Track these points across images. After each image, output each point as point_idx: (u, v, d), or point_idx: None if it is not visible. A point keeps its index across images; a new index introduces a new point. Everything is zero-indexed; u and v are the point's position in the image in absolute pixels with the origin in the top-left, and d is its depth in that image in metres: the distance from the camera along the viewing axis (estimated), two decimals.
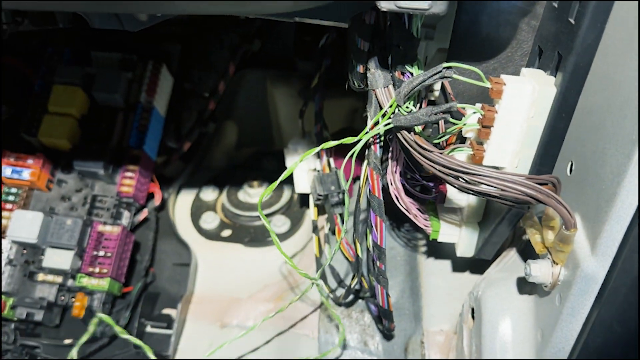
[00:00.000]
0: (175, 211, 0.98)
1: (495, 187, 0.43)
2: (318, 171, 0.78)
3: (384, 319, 0.67)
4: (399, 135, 0.49)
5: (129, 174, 0.87)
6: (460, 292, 0.74)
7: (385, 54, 0.49)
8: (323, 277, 0.79)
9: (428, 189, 0.61)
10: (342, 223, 0.75)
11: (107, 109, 0.91)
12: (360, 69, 0.50)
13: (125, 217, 0.87)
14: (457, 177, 0.45)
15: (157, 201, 0.95)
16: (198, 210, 1.00)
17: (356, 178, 0.87)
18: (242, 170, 1.06)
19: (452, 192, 0.59)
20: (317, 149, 0.51)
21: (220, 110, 1.01)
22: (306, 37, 0.93)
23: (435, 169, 0.45)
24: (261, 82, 1.00)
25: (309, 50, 0.95)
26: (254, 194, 0.97)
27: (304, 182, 0.81)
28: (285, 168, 0.94)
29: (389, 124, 0.48)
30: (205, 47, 0.94)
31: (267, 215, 0.95)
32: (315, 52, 0.93)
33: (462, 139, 0.53)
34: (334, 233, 0.80)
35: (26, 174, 0.85)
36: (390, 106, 0.48)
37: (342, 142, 0.51)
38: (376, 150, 0.52)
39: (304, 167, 0.81)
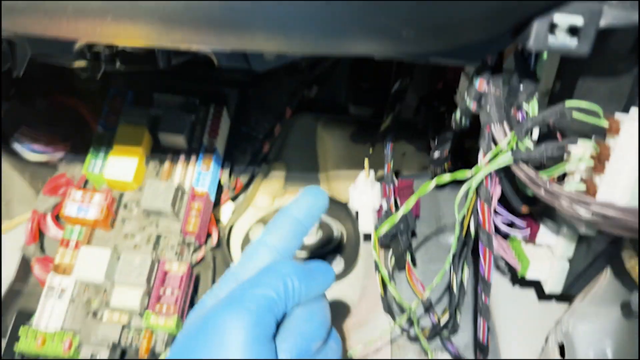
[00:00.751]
0: (230, 250, 0.97)
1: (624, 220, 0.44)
2: (386, 211, 0.79)
3: (480, 354, 0.67)
4: (515, 169, 0.50)
5: (193, 213, 0.87)
6: (536, 323, 0.74)
7: (502, 91, 0.51)
8: (391, 314, 0.79)
9: (515, 226, 0.62)
10: (412, 262, 0.76)
11: (170, 150, 0.92)
12: (473, 106, 0.52)
13: (188, 256, 0.87)
14: (585, 210, 0.46)
15: (214, 241, 0.94)
16: None
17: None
18: None
19: (544, 229, 0.60)
20: (432, 183, 0.52)
21: (271, 152, 1.02)
22: (363, 83, 0.96)
23: (559, 201, 0.47)
24: (313, 126, 1.02)
25: (363, 96, 0.98)
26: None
27: (369, 222, 0.82)
28: (343, 206, 0.94)
29: (509, 158, 0.50)
30: (264, 92, 0.96)
31: (320, 256, 0.95)
32: (368, 98, 0.96)
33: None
34: (400, 269, 0.81)
35: (92, 213, 0.84)
36: (509, 141, 0.50)
37: (456, 178, 0.52)
38: (487, 184, 0.54)
39: (368, 207, 0.82)
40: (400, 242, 0.78)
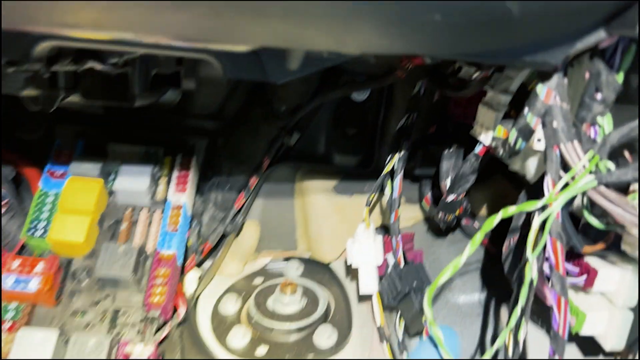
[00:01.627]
0: (198, 326, 0.81)
1: None
2: (395, 266, 0.67)
3: None
4: (594, 195, 0.40)
5: (158, 281, 0.72)
6: None
7: (571, 104, 0.42)
8: None
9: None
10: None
11: (129, 208, 0.77)
12: (535, 123, 0.43)
13: (151, 334, 0.71)
14: None
15: (180, 315, 0.79)
16: (221, 324, 0.84)
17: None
18: (262, 277, 0.92)
19: (605, 274, 0.50)
20: (498, 216, 0.41)
21: (244, 207, 0.89)
22: (348, 129, 0.86)
23: None
24: (291, 177, 0.90)
25: (348, 143, 0.88)
26: (289, 302, 0.83)
27: (371, 281, 0.70)
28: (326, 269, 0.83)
29: (591, 181, 0.40)
30: (238, 140, 0.84)
31: (307, 327, 0.81)
32: (353, 145, 0.86)
33: None
34: (411, 336, 0.68)
35: (34, 285, 0.67)
36: (588, 163, 0.40)
37: (524, 209, 0.42)
38: (559, 216, 0.43)
39: (370, 263, 0.70)
40: (414, 302, 0.66)
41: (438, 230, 0.89)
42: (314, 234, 0.94)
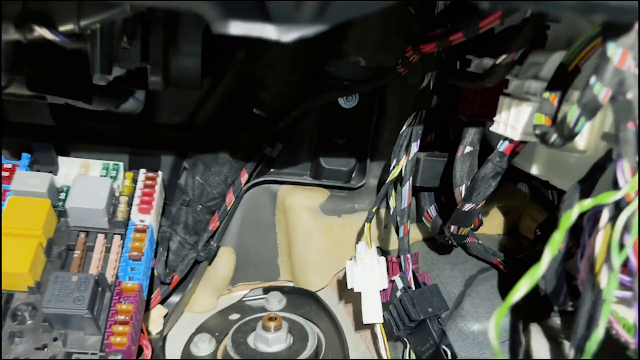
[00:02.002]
0: None
1: None
2: (406, 289, 0.57)
3: None
4: None
5: (121, 317, 0.59)
6: None
7: None
8: None
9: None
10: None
11: (83, 231, 0.65)
12: (604, 95, 0.34)
13: None
14: None
15: (147, 357, 0.66)
16: None
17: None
18: (239, 312, 0.81)
19: None
20: (575, 211, 0.32)
21: (218, 230, 0.78)
22: (337, 139, 0.76)
23: None
24: (271, 195, 0.79)
25: (338, 154, 0.78)
26: (273, 339, 0.72)
27: (375, 308, 0.60)
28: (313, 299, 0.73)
29: None
30: (213, 152, 0.73)
31: None
32: (344, 156, 0.77)
33: None
34: None
35: None
36: None
37: (600, 202, 0.33)
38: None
39: (374, 287, 0.60)
40: (432, 332, 0.56)
41: (439, 251, 0.79)
42: (299, 260, 0.83)
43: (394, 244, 0.81)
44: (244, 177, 0.76)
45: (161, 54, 0.63)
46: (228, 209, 0.77)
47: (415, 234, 0.82)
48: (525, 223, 0.86)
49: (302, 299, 0.84)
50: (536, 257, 0.71)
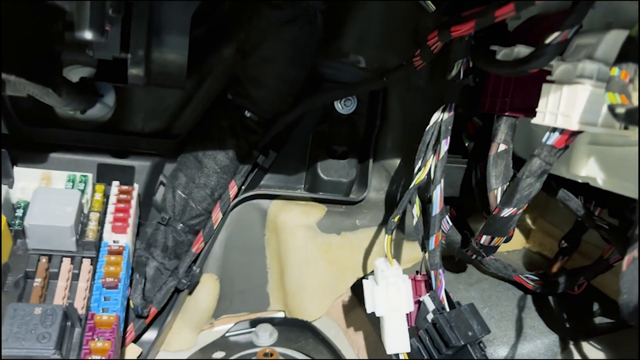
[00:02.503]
0: None
1: None
2: (440, 310, 0.49)
3: None
4: None
5: (96, 357, 0.48)
6: None
7: None
8: None
9: None
10: None
11: (45, 255, 0.54)
12: None
13: None
14: None
15: None
16: None
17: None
18: (224, 349, 0.71)
19: None
20: None
21: (202, 254, 0.68)
22: (336, 147, 0.69)
23: None
24: (261, 211, 0.70)
25: (336, 164, 0.70)
26: None
27: (402, 336, 0.51)
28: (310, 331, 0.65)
29: None
30: (197, 161, 0.64)
31: None
32: (340, 169, 0.69)
33: None
34: None
35: None
36: None
37: None
38: None
39: (397, 312, 0.52)
40: (474, 359, 0.48)
41: (450, 269, 0.72)
42: (292, 285, 0.74)
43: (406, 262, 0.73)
44: (233, 190, 0.67)
45: (144, 42, 0.54)
46: (215, 227, 0.67)
47: (418, 252, 0.74)
48: (536, 237, 0.80)
49: (296, 331, 0.75)
50: (562, 271, 0.65)
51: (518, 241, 0.81)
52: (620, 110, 0.38)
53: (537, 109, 0.50)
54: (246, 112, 0.65)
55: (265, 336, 0.73)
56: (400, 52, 0.70)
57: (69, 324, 0.50)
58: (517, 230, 0.80)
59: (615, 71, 0.42)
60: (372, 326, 0.71)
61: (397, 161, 0.74)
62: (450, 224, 0.66)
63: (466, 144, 0.69)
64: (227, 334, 0.75)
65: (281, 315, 0.76)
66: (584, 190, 0.59)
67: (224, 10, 0.65)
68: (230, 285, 0.74)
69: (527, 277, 0.66)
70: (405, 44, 0.69)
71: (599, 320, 0.65)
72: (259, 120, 0.66)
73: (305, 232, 0.72)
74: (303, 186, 0.74)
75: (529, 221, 0.82)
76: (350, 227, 0.73)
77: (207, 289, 0.73)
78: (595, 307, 0.66)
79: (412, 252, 0.73)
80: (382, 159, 0.74)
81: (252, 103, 0.64)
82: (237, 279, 0.74)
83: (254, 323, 0.76)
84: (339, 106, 0.72)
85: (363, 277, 0.61)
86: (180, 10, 0.56)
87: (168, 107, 0.68)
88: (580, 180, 0.56)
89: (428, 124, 0.56)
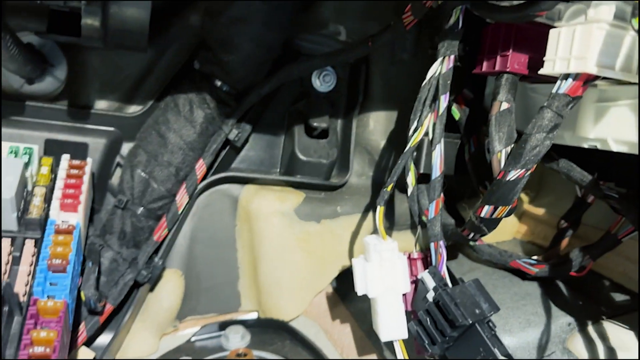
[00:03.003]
0: None
1: None
2: (442, 287, 0.43)
3: None
4: None
5: (38, 350, 0.41)
6: None
7: None
8: None
9: None
10: None
11: None
12: None
13: None
14: None
15: None
16: None
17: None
18: (189, 355, 0.63)
19: None
20: None
21: (164, 243, 0.61)
22: (317, 124, 0.63)
23: None
24: (232, 197, 0.64)
25: (315, 145, 0.65)
26: None
27: (398, 320, 0.46)
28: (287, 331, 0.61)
29: None
30: (160, 135, 0.57)
31: None
32: (320, 150, 0.64)
33: None
34: None
35: None
36: None
37: None
38: None
39: (393, 291, 0.46)
40: (484, 338, 0.42)
41: None
42: (267, 281, 0.66)
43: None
44: (201, 170, 0.60)
45: None
46: (179, 212, 0.60)
47: (407, 242, 0.68)
48: (526, 226, 0.75)
49: (271, 332, 0.67)
50: (564, 253, 0.60)
51: (507, 231, 0.76)
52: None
53: (544, 59, 0.46)
54: (216, 81, 0.59)
55: (237, 339, 0.66)
56: (383, 23, 0.65)
57: (6, 309, 0.42)
58: (505, 219, 0.75)
59: None
60: (357, 322, 0.64)
61: (381, 142, 0.69)
62: (442, 207, 0.61)
63: (456, 118, 0.64)
64: (193, 339, 0.67)
65: (254, 315, 0.69)
66: (585, 162, 0.55)
67: None
68: (197, 283, 0.66)
69: (525, 262, 0.61)
70: (388, 14, 0.65)
71: (605, 305, 0.60)
72: (231, 91, 0.60)
73: (281, 219, 0.65)
74: (278, 170, 0.67)
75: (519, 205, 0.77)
76: (331, 214, 0.67)
77: (171, 286, 0.65)
78: (601, 290, 0.61)
79: (401, 243, 0.67)
80: (364, 141, 0.68)
81: (223, 70, 0.58)
82: (204, 275, 0.66)
83: (223, 325, 0.68)
84: (317, 82, 0.66)
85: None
86: None
87: (127, 77, 0.61)
88: (586, 145, 0.52)
89: (414, 100, 0.52)
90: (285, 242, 0.65)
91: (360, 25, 0.65)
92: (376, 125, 0.68)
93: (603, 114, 0.49)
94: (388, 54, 0.66)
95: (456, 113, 0.63)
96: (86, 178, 0.54)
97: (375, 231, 0.66)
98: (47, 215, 0.50)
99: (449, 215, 0.62)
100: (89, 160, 0.56)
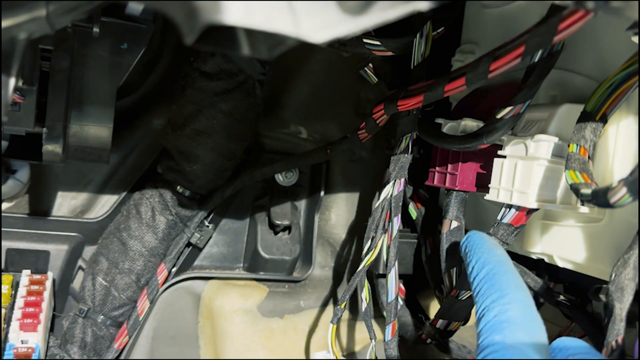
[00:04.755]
0: None
1: None
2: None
3: None
4: None
5: None
6: None
7: None
8: None
9: None
10: None
11: None
12: None
13: None
14: None
15: None
16: None
17: None
18: None
19: None
20: None
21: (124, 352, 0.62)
22: (280, 222, 0.65)
23: None
24: (192, 297, 0.65)
25: (278, 242, 0.67)
26: None
27: None
28: None
29: None
30: (122, 241, 0.59)
31: None
32: (283, 246, 0.66)
33: None
34: None
35: None
36: None
37: None
38: None
39: None
40: None
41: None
42: None
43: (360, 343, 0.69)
44: (162, 274, 0.62)
45: (63, 114, 0.49)
46: (140, 318, 0.61)
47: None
48: None
49: None
50: None
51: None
52: (586, 191, 0.37)
53: (489, 185, 0.49)
54: (178, 187, 0.60)
55: None
56: (342, 123, 0.69)
57: None
58: None
59: (573, 148, 0.41)
60: None
61: (343, 235, 0.71)
62: (401, 303, 0.63)
63: (414, 217, 0.66)
64: None
65: None
66: (535, 263, 0.58)
67: (155, 79, 0.61)
68: None
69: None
70: (346, 115, 0.68)
71: None
72: (193, 196, 0.62)
73: (244, 317, 0.67)
74: (242, 265, 0.69)
75: None
76: (294, 309, 0.69)
77: None
78: None
79: (366, 331, 0.69)
80: (326, 234, 0.71)
81: (185, 178, 0.60)
82: None
83: None
84: (279, 178, 0.69)
85: None
86: (106, 79, 0.52)
87: (89, 182, 0.62)
88: (535, 257, 0.54)
89: (374, 196, 0.54)
90: (248, 341, 0.66)
91: (319, 125, 0.68)
92: (338, 219, 0.71)
93: (548, 232, 0.52)
94: (347, 152, 0.69)
95: (413, 212, 0.66)
96: (47, 294, 0.55)
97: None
98: (6, 338, 0.51)
99: (409, 310, 0.64)
100: (49, 274, 0.57)
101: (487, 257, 0.41)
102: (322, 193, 0.70)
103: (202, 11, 0.21)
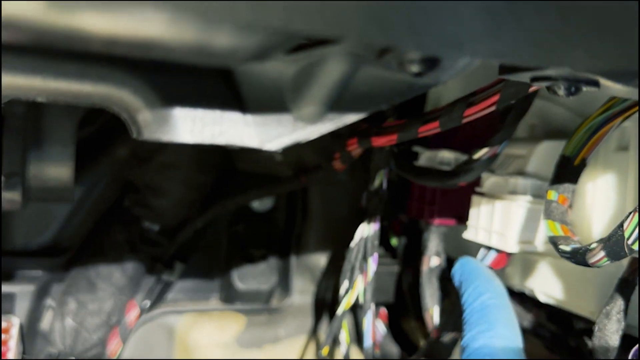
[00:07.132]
0: None
1: None
2: None
3: None
4: None
5: None
6: None
7: None
8: None
9: None
10: None
11: None
12: None
13: None
14: None
15: None
16: None
17: None
18: None
19: None
20: None
21: None
22: (254, 250, 0.64)
23: None
24: (165, 333, 0.65)
25: (255, 270, 0.66)
26: None
27: None
28: None
29: None
30: (90, 280, 0.58)
31: None
32: (259, 274, 0.65)
33: None
34: None
35: None
36: None
37: None
38: None
39: None
40: None
41: None
42: None
43: None
44: (133, 312, 0.61)
45: (19, 158, 0.48)
46: (114, 359, 0.60)
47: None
48: None
49: None
50: None
51: None
52: (565, 248, 0.37)
53: (468, 223, 0.48)
54: (146, 223, 0.60)
55: None
56: (317, 147, 0.68)
57: None
58: None
59: (552, 195, 0.41)
60: None
61: (322, 260, 0.71)
62: (385, 330, 0.63)
63: (393, 245, 0.66)
64: None
65: None
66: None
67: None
68: None
69: None
70: (322, 138, 0.67)
71: None
72: (162, 231, 0.61)
73: (222, 351, 0.66)
74: (218, 295, 0.68)
75: None
76: (273, 338, 0.68)
77: None
78: None
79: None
80: (305, 259, 0.70)
81: (153, 213, 0.59)
82: None
83: None
84: (255, 203, 0.68)
85: None
86: (64, 116, 0.50)
87: (54, 219, 0.61)
88: (516, 290, 0.54)
89: (353, 218, 0.54)
90: None
91: (294, 149, 0.67)
92: (317, 242, 0.70)
93: (529, 266, 0.52)
94: (325, 176, 0.68)
95: (393, 240, 0.65)
96: (12, 343, 0.54)
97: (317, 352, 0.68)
98: None
99: (394, 338, 0.64)
100: (15, 320, 0.56)
101: (484, 286, 0.41)
102: (298, 218, 0.69)
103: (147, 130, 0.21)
